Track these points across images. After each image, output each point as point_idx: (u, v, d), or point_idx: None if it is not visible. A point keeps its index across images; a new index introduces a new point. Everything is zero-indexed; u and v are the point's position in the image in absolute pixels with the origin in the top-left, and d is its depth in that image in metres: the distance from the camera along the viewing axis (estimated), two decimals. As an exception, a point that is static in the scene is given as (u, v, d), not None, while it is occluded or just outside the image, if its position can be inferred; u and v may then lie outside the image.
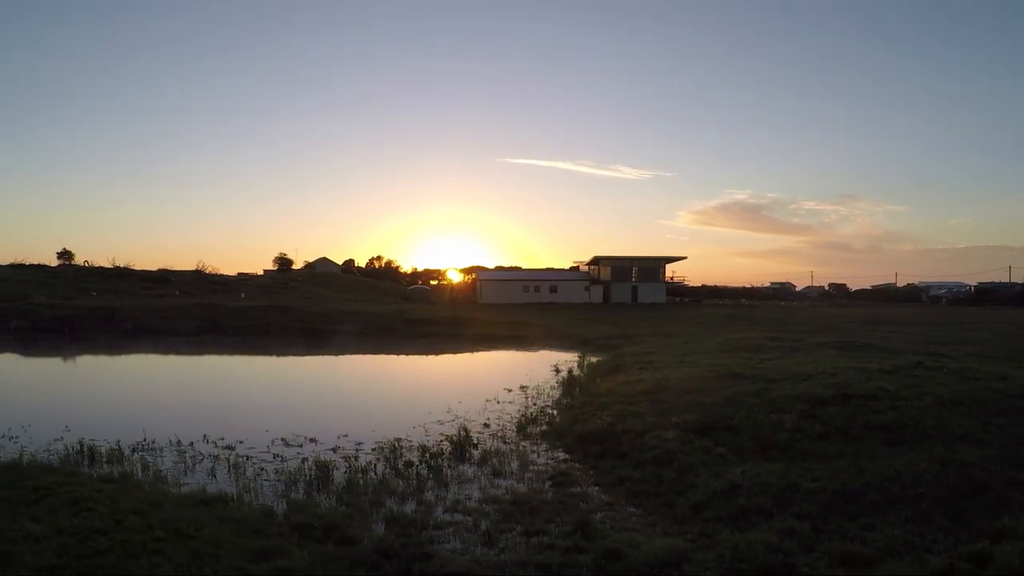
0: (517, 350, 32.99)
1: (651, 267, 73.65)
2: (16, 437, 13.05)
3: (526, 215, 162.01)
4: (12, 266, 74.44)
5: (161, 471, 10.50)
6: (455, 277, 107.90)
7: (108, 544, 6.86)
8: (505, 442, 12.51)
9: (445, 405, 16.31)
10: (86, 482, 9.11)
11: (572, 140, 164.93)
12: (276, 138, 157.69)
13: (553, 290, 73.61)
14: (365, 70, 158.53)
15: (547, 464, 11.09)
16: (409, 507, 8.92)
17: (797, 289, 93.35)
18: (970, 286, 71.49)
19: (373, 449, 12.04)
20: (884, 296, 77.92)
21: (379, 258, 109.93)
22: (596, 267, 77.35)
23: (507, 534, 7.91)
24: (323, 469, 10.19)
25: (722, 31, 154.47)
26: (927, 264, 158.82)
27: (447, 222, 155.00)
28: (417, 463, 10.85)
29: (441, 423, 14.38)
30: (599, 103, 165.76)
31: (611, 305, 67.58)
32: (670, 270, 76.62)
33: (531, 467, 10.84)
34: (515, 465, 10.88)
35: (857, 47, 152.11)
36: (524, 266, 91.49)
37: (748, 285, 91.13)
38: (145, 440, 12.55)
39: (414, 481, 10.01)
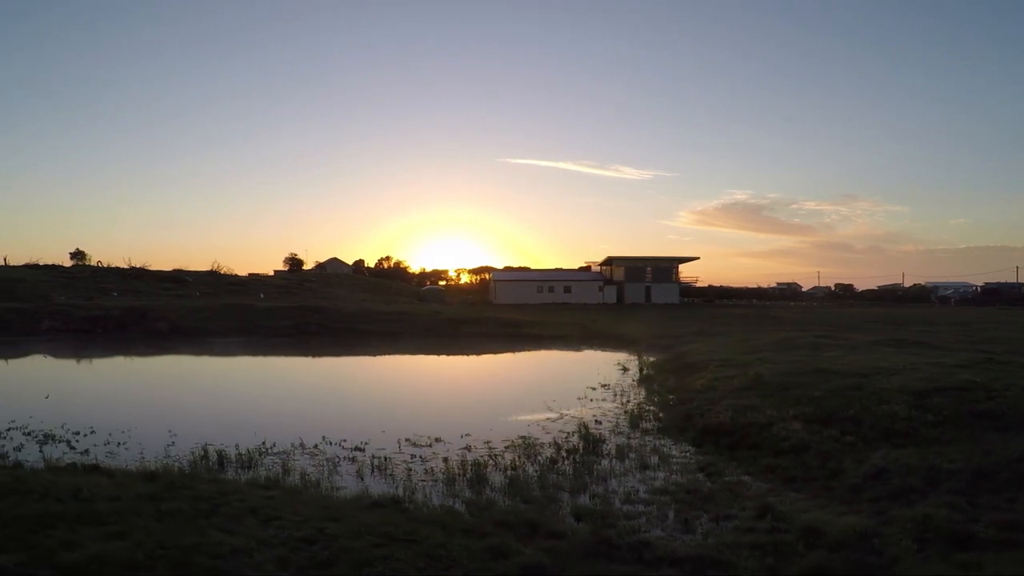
0: (566, 350, 33.47)
1: (664, 267, 74.41)
2: (124, 443, 12.71)
3: (527, 215, 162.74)
4: (27, 267, 74.40)
5: (308, 475, 10.30)
6: (463, 278, 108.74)
7: (328, 553, 6.66)
8: (628, 437, 13.08)
9: (540, 403, 16.84)
10: (244, 489, 8.96)
11: (573, 140, 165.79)
12: (282, 139, 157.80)
13: (567, 290, 74.17)
14: (365, 70, 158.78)
15: (684, 456, 11.73)
16: (583, 500, 9.32)
17: (803, 289, 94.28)
18: (976, 286, 72.69)
19: (507, 447, 12.35)
20: (892, 296, 78.93)
21: (388, 258, 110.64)
22: (609, 267, 78.07)
23: (698, 520, 8.56)
24: (478, 468, 10.52)
25: (723, 31, 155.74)
26: (929, 264, 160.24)
27: (449, 223, 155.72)
28: (561, 459, 11.34)
29: (551, 420, 14.91)
30: (600, 103, 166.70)
31: (626, 305, 68.19)
32: (681, 271, 77.38)
33: (672, 459, 11.48)
34: (655, 458, 11.47)
35: (858, 47, 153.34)
36: (529, 266, 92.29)
37: (754, 286, 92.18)
38: (265, 444, 12.29)
39: (570, 476, 10.40)
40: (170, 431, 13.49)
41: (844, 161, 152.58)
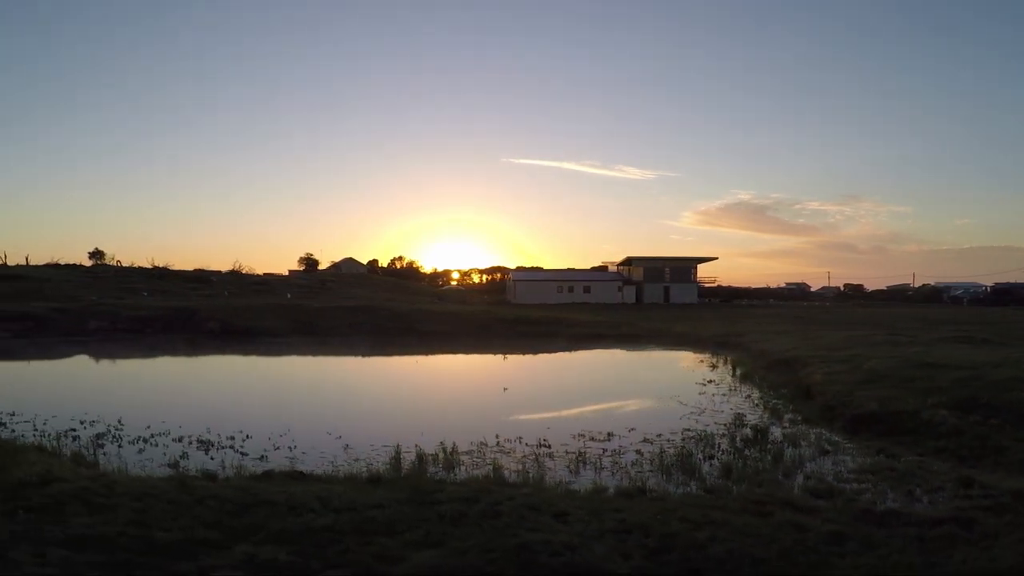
0: (633, 349, 34.01)
1: (683, 267, 75.72)
2: (292, 447, 12.43)
3: (529, 215, 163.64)
4: (49, 266, 74.63)
5: (524, 471, 10.44)
6: (474, 277, 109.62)
7: (654, 541, 6.89)
8: (783, 428, 14.21)
9: (668, 398, 17.87)
10: (497, 488, 8.90)
11: (576, 140, 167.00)
12: (292, 141, 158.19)
13: (587, 290, 75.25)
14: (364, 71, 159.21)
15: (849, 442, 12.87)
16: (800, 481, 10.23)
17: (812, 289, 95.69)
18: (986, 287, 74.35)
19: (684, 439, 13.12)
20: (902, 297, 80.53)
21: (400, 258, 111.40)
22: (628, 268, 79.25)
23: (915, 492, 9.65)
24: (685, 457, 11.37)
25: (726, 31, 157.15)
26: (932, 265, 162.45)
27: (452, 223, 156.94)
28: (742, 448, 12.34)
29: (694, 414, 15.92)
30: (604, 104, 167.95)
31: (646, 305, 69.32)
32: (699, 271, 78.62)
33: (841, 445, 12.62)
34: (826, 444, 12.61)
35: (861, 47, 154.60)
36: (539, 267, 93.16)
37: (763, 285, 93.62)
38: (443, 443, 11.98)
39: (768, 461, 11.31)
40: (329, 433, 13.32)
41: (848, 161, 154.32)
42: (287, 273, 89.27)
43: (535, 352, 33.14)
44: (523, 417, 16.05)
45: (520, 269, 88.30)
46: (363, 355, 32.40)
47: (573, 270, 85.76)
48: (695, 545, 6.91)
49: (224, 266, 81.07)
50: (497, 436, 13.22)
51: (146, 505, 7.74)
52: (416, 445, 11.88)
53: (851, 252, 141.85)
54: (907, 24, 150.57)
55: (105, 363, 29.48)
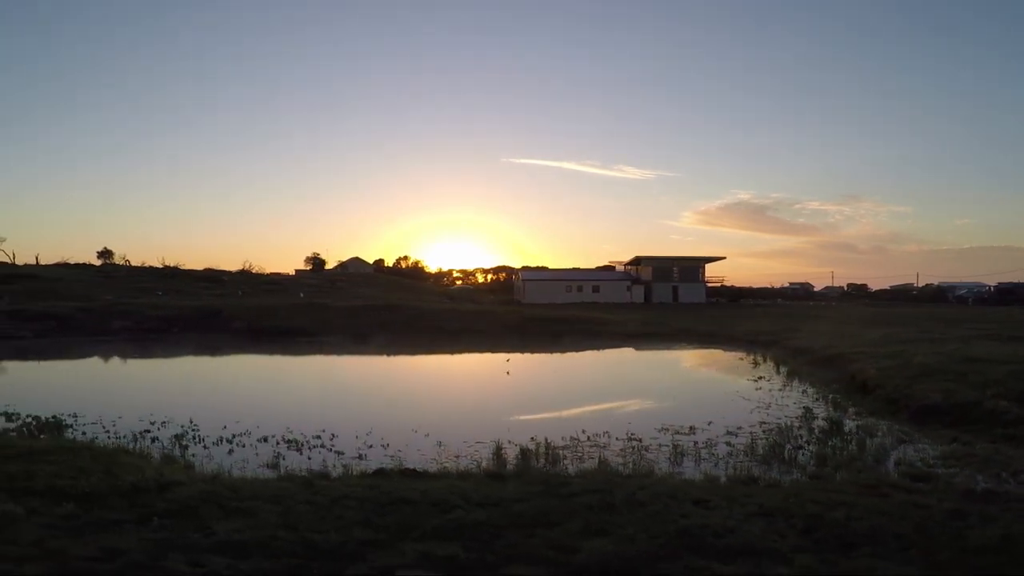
0: (664, 348, 34.39)
1: (691, 267, 76.49)
2: (384, 444, 12.58)
3: (528, 215, 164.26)
4: (59, 265, 74.85)
5: (634, 463, 10.91)
6: (478, 277, 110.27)
7: (807, 521, 7.29)
8: (853, 420, 14.84)
9: (729, 393, 18.56)
10: (623, 481, 9.20)
11: (576, 140, 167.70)
12: (289, 139, 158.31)
13: (595, 290, 75.91)
14: (364, 71, 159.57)
15: (919, 432, 13.51)
16: (891, 467, 10.92)
17: (815, 289, 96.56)
18: (989, 286, 75.39)
19: (764, 431, 13.73)
20: (907, 296, 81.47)
21: (406, 258, 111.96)
22: (636, 267, 80.00)
23: (1002, 475, 10.31)
24: (776, 447, 12.05)
25: (726, 31, 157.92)
26: (932, 265, 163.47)
27: (451, 223, 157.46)
28: (824, 438, 12.92)
29: (761, 408, 16.53)
30: (603, 104, 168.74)
31: (656, 305, 70.02)
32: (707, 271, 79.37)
33: (914, 435, 13.32)
34: (900, 434, 13.26)
35: (861, 47, 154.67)
36: (546, 266, 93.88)
37: (767, 285, 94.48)
38: (535, 438, 12.45)
39: (854, 450, 12.00)
40: (415, 430, 13.53)
41: (847, 161, 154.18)
42: (293, 273, 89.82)
43: (577, 350, 33.49)
44: (597, 409, 16.64)
45: (527, 269, 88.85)
46: (409, 354, 32.67)
47: (580, 270, 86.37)
48: (838, 523, 7.36)
49: (227, 265, 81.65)
50: (584, 431, 13.54)
51: (285, 507, 7.57)
52: (508, 441, 12.24)
53: (851, 252, 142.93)
54: (907, 24, 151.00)
55: (145, 362, 29.86)
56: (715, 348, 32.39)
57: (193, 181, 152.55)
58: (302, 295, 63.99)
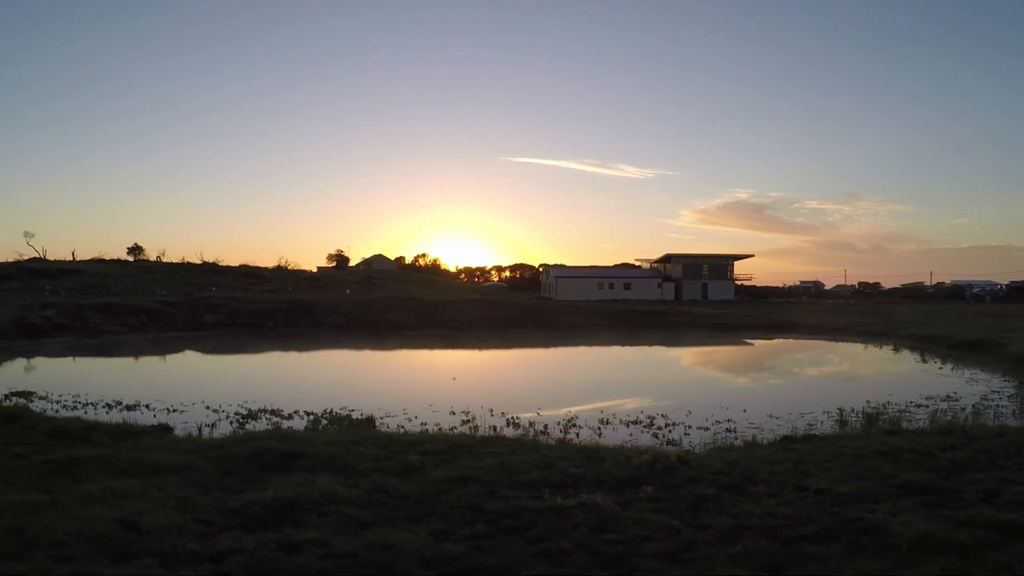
0: (769, 338, 36.22)
1: (720, 265, 79.32)
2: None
3: (527, 214, 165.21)
4: (95, 261, 74.99)
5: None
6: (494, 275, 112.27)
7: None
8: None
9: (917, 372, 20.95)
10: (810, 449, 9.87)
11: (575, 139, 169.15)
12: (289, 138, 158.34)
13: (627, 287, 78.44)
14: (363, 72, 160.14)
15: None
16: None
17: (827, 288, 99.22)
18: (1002, 285, 78.98)
19: (999, 400, 16.27)
20: (924, 294, 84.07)
21: (424, 255, 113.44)
22: (665, 264, 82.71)
23: None
24: (977, 415, 13.81)
25: (725, 29, 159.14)
26: (932, 264, 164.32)
27: (449, 221, 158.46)
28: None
29: (970, 384, 18.78)
30: (603, 102, 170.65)
31: (685, 302, 72.66)
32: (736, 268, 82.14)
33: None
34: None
35: (860, 45, 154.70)
36: (555, 263, 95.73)
37: (781, 284, 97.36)
38: (708, 419, 13.84)
39: None
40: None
41: (847, 160, 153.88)
42: (315, 270, 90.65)
43: (704, 344, 35.05)
44: (735, 397, 17.58)
45: (558, 267, 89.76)
46: (549, 347, 34.02)
47: (613, 267, 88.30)
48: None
49: (254, 261, 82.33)
50: (770, 415, 14.24)
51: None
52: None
53: (850, 251, 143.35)
54: (907, 24, 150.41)
55: (283, 356, 30.12)
56: (816, 339, 34.43)
57: (196, 179, 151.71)
58: (348, 291, 65.37)
